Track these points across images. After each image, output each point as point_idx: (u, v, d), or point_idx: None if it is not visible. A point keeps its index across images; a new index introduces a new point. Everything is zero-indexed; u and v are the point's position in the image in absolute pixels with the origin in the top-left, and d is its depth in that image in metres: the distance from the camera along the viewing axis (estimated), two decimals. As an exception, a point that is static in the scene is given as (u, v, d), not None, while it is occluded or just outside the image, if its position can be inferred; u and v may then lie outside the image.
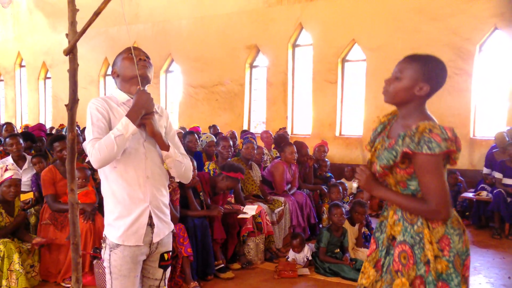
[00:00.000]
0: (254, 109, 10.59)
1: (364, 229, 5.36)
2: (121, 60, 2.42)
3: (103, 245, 2.40)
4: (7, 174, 4.36)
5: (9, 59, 14.46)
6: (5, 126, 7.37)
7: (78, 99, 2.34)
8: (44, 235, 4.49)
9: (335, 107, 9.22)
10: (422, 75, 1.97)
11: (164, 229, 2.43)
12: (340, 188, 5.84)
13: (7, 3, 12.87)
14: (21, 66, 14.57)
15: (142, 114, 2.27)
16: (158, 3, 11.30)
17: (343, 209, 4.98)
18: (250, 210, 5.10)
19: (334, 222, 4.87)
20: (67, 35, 2.32)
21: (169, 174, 2.53)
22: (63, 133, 7.33)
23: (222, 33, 10.43)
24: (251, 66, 10.47)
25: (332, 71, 9.17)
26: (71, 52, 2.35)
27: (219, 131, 8.60)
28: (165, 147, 2.36)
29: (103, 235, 2.40)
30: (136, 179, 2.30)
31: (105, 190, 2.37)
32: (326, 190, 6.36)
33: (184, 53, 11.10)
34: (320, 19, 9.24)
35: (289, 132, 9.31)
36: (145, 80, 2.38)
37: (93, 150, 2.18)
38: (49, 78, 13.90)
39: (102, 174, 2.37)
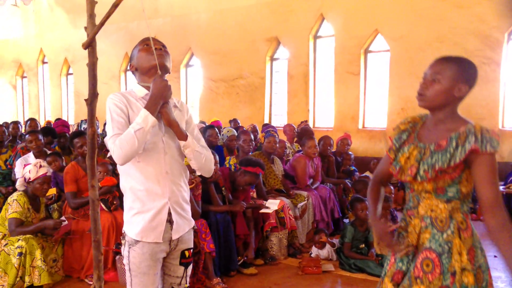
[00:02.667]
0: (275, 102, 10.49)
1: (389, 224, 5.22)
2: (137, 52, 2.37)
3: (122, 241, 2.37)
4: (42, 171, 4.38)
5: (32, 56, 14.64)
6: (29, 122, 7.42)
7: (98, 94, 2.28)
8: (66, 228, 4.45)
9: (358, 99, 9.05)
10: (461, 75, 1.95)
11: (184, 226, 2.37)
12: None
13: (28, 0, 13.00)
14: (43, 62, 14.73)
15: (161, 104, 2.21)
16: (176, -3, 11.26)
17: (367, 203, 4.85)
18: (272, 204, 5.01)
19: (360, 217, 4.74)
20: (85, 28, 2.26)
21: (191, 169, 2.46)
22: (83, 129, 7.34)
23: (241, 25, 10.34)
24: (272, 59, 10.36)
25: (354, 62, 9.00)
26: (90, 45, 2.28)
27: (240, 124, 8.53)
28: (183, 137, 2.28)
29: (123, 231, 2.36)
30: (155, 174, 2.25)
31: (124, 185, 2.33)
32: (350, 184, 6.23)
33: (204, 47, 11.05)
34: (341, 10, 9.06)
35: (310, 125, 9.19)
36: (164, 69, 2.31)
37: (114, 147, 2.14)
38: (71, 74, 14.03)
39: (121, 169, 2.32)
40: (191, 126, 2.46)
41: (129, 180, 2.28)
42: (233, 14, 10.43)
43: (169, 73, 2.39)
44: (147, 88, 2.33)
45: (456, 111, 2.02)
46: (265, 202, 5.05)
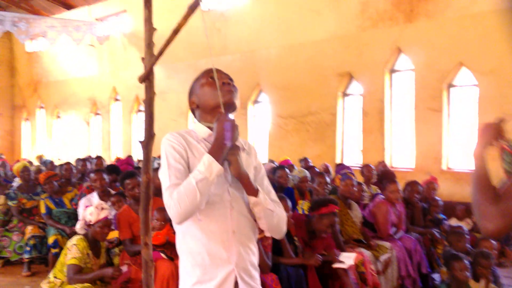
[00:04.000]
0: (347, 140, 9.91)
1: (491, 286, 4.43)
2: (200, 87, 2.00)
3: None
4: (103, 214, 4.17)
5: (105, 93, 15.14)
6: (95, 160, 7.38)
7: (155, 134, 1.93)
8: (126, 276, 4.16)
9: (440, 138, 8.27)
10: None
11: None
12: (467, 236, 4.88)
13: (103, 40, 13.50)
14: (116, 100, 15.16)
15: (228, 149, 1.80)
16: (246, 33, 11.16)
17: (466, 262, 4.12)
18: (347, 259, 4.37)
19: (457, 278, 4.01)
20: (143, 58, 1.94)
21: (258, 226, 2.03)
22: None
23: (312, 60, 9.96)
24: (344, 95, 9.86)
25: (436, 98, 8.28)
26: (147, 78, 1.95)
27: (311, 164, 8.02)
28: (253, 192, 1.87)
29: None
30: (219, 234, 1.84)
31: (181, 247, 1.92)
32: (438, 235, 5.48)
33: (273, 83, 10.79)
34: (421, 42, 8.44)
35: (387, 165, 8.50)
36: (231, 107, 1.94)
37: (171, 201, 1.74)
38: (142, 111, 14.28)
39: (177, 227, 1.91)
40: (260, 174, 2.04)
41: (188, 240, 1.87)
42: (303, 49, 10.11)
43: (236, 111, 1.99)
44: (211, 128, 1.93)
45: None
46: (339, 255, 4.44)
